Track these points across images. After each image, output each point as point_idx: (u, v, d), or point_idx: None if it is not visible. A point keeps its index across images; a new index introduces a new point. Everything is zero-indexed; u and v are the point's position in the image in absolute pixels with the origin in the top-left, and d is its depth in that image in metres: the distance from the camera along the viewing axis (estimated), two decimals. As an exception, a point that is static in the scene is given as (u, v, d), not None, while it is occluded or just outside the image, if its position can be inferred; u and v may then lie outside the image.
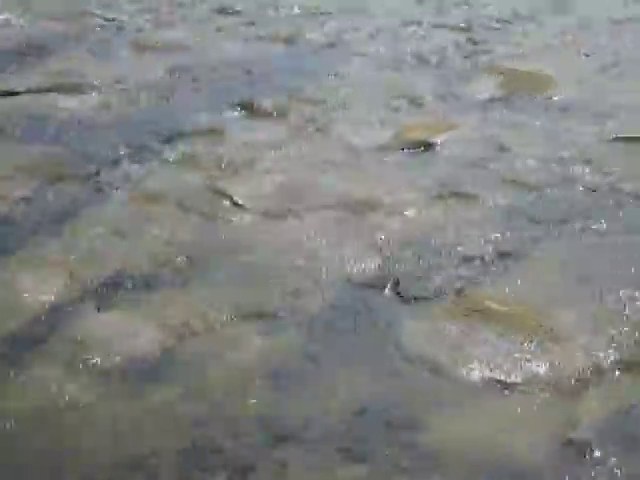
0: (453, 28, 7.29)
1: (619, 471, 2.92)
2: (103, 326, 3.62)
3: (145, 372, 3.36)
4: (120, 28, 7.40)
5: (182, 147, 5.17)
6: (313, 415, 3.14)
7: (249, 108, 5.70)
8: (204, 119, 5.55)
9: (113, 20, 7.60)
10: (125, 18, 7.63)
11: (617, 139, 5.19)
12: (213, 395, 3.25)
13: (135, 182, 4.76)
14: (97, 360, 3.40)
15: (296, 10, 7.81)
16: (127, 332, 3.58)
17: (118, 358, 3.42)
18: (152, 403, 3.21)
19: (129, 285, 3.87)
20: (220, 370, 3.37)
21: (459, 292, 3.82)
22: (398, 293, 3.82)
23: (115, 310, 3.72)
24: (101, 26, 7.47)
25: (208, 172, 4.87)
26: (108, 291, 3.83)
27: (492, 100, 5.83)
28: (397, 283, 3.88)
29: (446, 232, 4.26)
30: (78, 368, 3.37)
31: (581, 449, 3.00)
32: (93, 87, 6.08)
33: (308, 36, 7.14)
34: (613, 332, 3.52)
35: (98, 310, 3.71)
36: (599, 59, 6.55)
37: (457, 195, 4.58)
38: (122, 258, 4.07)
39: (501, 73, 6.27)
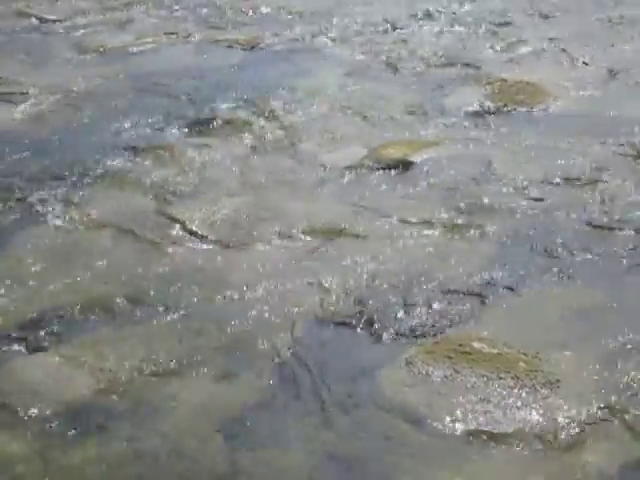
0: (435, 32, 7.34)
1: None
2: (34, 370, 3.59)
3: (83, 422, 3.33)
4: (60, 30, 7.40)
5: (126, 166, 5.15)
6: (272, 476, 3.12)
7: (203, 122, 5.70)
8: (151, 135, 5.54)
9: (53, 22, 7.60)
10: (66, 19, 7.63)
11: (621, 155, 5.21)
12: (157, 449, 3.22)
13: (72, 206, 4.74)
14: (27, 408, 3.37)
15: (260, 11, 7.84)
16: (60, 377, 3.55)
17: (51, 406, 3.39)
18: (89, 458, 3.18)
19: (65, 323, 3.84)
20: (165, 422, 3.34)
21: (441, 331, 3.82)
22: (372, 332, 3.81)
23: (48, 352, 3.69)
24: (39, 28, 7.47)
25: (156, 195, 4.86)
26: (41, 330, 3.80)
27: (479, 114, 5.85)
28: (371, 321, 3.87)
29: (427, 264, 4.26)
30: (8, 417, 3.35)
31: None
32: (26, 96, 6.07)
33: (272, 40, 7.17)
34: (612, 377, 3.53)
35: (29, 351, 3.68)
36: (599, 67, 6.60)
37: (439, 222, 4.58)
38: (57, 293, 4.04)
39: (489, 83, 6.30)
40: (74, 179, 5.00)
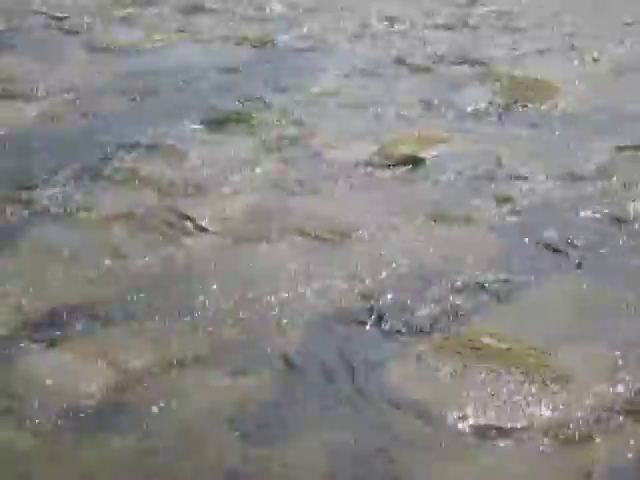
0: (443, 28, 7.33)
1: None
2: (45, 367, 3.60)
3: (95, 418, 3.34)
4: (71, 28, 7.41)
5: (136, 164, 5.16)
6: (283, 472, 3.12)
7: (212, 120, 5.70)
8: (161, 132, 5.53)
9: (63, 19, 7.60)
10: (77, 17, 7.64)
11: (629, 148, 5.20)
12: (169, 445, 3.22)
13: (82, 203, 4.74)
14: (42, 404, 3.38)
15: (270, 8, 7.84)
16: (72, 374, 3.56)
17: (65, 402, 3.39)
18: (101, 454, 3.19)
19: (76, 320, 3.84)
20: (177, 417, 3.34)
21: (450, 326, 3.82)
22: (382, 329, 3.81)
23: (61, 348, 3.69)
24: (49, 25, 7.48)
25: (166, 192, 4.86)
26: (53, 326, 3.81)
27: (488, 110, 5.85)
28: (380, 317, 3.87)
29: (436, 259, 4.26)
30: (21, 413, 3.35)
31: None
32: (37, 94, 6.08)
33: (282, 38, 7.17)
34: (622, 372, 3.53)
35: (40, 348, 3.69)
36: (608, 64, 6.59)
37: (449, 218, 4.58)
38: (68, 289, 4.05)
39: (498, 80, 6.29)
40: (84, 177, 5.00)
